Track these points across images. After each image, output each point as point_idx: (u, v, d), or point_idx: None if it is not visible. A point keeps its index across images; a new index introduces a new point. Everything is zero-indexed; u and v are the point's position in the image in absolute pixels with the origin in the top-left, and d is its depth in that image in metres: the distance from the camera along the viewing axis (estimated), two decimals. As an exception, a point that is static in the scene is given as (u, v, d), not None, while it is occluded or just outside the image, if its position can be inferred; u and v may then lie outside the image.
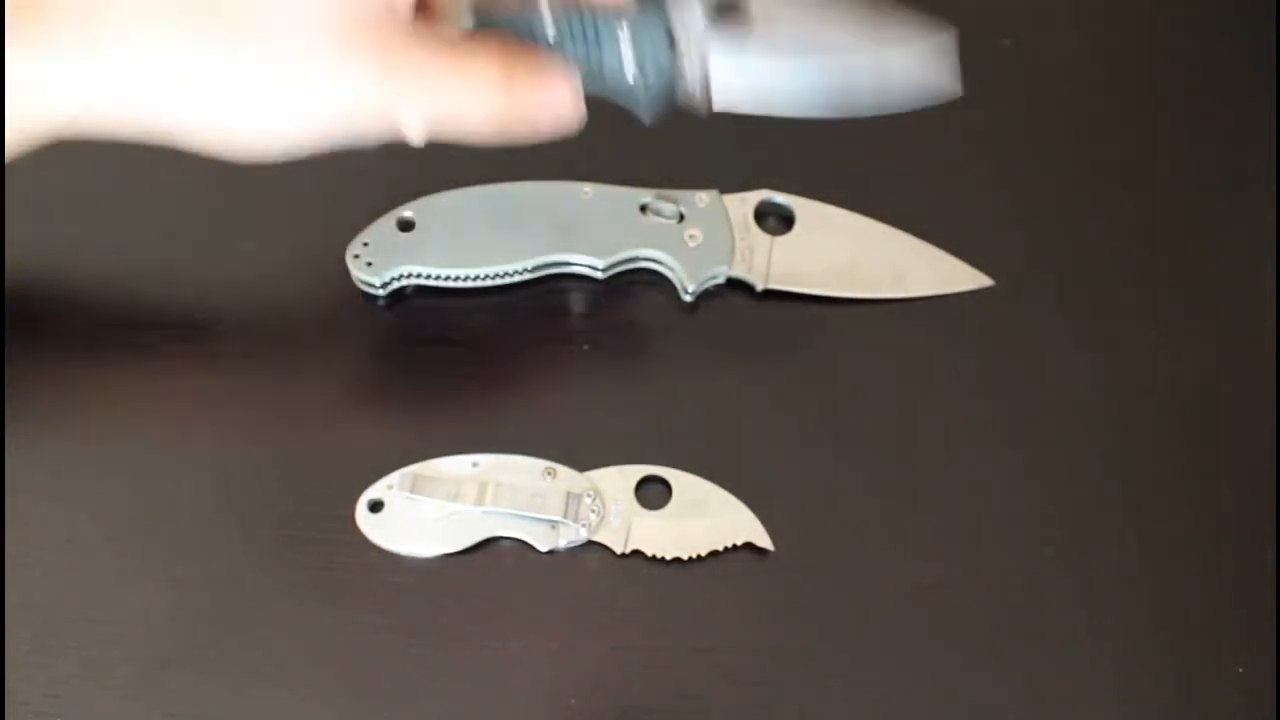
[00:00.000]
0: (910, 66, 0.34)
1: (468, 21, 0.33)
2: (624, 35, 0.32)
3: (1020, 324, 0.44)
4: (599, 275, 0.43)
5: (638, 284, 0.44)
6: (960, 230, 0.45)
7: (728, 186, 0.44)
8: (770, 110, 0.33)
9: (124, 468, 0.39)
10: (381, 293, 0.42)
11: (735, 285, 0.44)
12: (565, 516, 0.38)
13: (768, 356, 0.43)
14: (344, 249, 0.42)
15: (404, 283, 0.42)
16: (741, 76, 0.33)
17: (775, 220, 0.45)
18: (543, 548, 0.38)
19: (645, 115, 0.34)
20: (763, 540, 0.39)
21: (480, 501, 0.38)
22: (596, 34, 0.32)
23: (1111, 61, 0.51)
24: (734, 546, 0.39)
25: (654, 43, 0.32)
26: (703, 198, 0.44)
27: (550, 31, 0.33)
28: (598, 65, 0.33)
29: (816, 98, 0.33)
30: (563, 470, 0.39)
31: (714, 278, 0.43)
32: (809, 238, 0.44)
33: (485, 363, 0.43)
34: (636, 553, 0.39)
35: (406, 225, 0.42)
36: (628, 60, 0.32)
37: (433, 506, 0.38)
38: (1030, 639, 0.38)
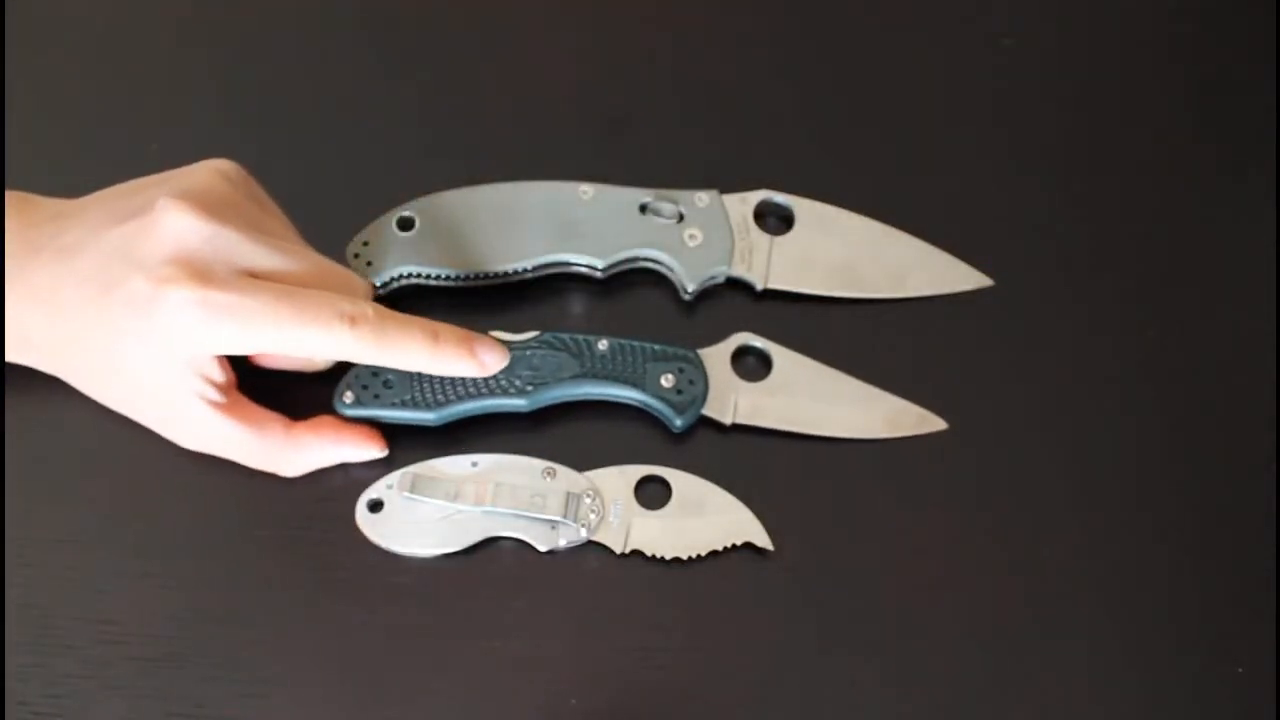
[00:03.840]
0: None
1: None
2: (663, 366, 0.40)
3: (1020, 324, 0.44)
4: (599, 275, 0.43)
5: (637, 284, 0.44)
6: (960, 230, 0.45)
7: (728, 186, 0.44)
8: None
9: (124, 467, 0.39)
10: (381, 292, 0.42)
11: (735, 285, 0.44)
12: (565, 516, 0.38)
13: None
14: (344, 248, 0.42)
15: (404, 282, 0.42)
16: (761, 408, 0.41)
17: (775, 220, 0.45)
18: (542, 548, 0.38)
19: (676, 425, 0.40)
20: (763, 540, 0.39)
21: (480, 501, 0.38)
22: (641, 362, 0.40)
23: (1112, 61, 0.51)
24: (734, 546, 0.39)
25: (691, 374, 0.40)
26: (703, 198, 0.44)
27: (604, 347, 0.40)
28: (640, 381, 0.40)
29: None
30: (563, 470, 0.39)
31: (714, 277, 0.43)
32: (809, 238, 0.44)
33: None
34: (636, 553, 0.39)
35: (406, 225, 0.42)
36: (666, 380, 0.40)
37: (433, 506, 0.38)
38: (1030, 639, 0.38)
